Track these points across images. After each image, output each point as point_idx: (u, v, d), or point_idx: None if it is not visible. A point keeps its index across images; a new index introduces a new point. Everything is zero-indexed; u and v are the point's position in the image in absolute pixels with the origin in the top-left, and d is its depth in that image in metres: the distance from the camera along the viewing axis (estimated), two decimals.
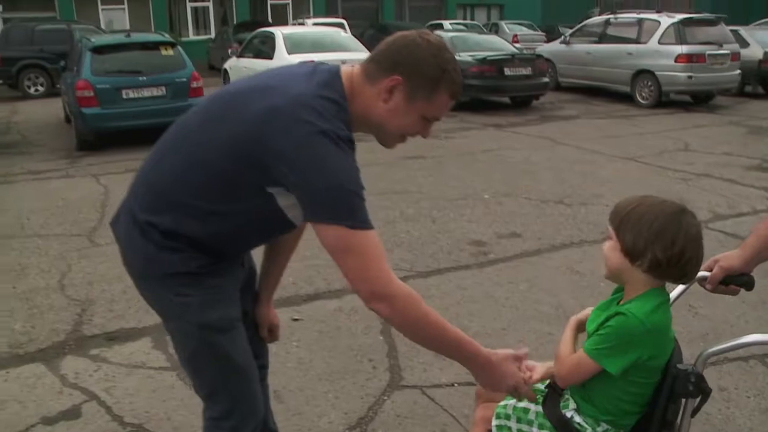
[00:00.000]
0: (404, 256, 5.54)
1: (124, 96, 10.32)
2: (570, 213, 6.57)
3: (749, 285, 2.06)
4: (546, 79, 14.45)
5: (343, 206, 1.78)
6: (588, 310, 2.06)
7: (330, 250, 1.84)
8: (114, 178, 8.50)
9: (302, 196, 1.82)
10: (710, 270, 2.07)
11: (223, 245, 2.03)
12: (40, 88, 18.62)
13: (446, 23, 27.51)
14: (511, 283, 4.98)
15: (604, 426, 1.93)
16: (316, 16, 29.06)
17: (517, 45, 21.43)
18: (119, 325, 4.44)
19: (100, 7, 28.37)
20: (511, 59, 13.88)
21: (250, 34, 15.90)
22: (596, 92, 15.69)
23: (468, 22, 31.60)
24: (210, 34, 29.92)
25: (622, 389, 1.87)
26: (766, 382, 3.65)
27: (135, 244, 2.03)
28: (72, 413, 3.45)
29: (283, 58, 12.40)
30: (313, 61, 2.09)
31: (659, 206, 1.83)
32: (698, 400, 1.85)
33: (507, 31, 27.84)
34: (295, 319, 4.41)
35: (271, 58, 12.86)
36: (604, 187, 7.43)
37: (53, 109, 15.12)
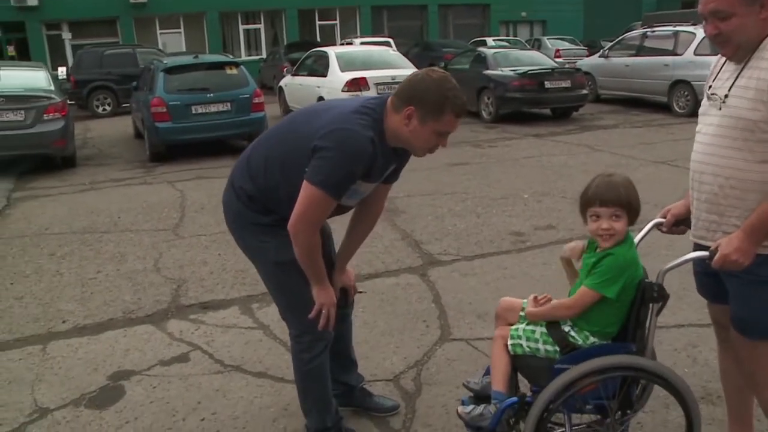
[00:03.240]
0: (452, 244, 6.29)
1: (194, 111, 11.31)
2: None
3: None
4: (585, 92, 15.06)
5: (323, 174, 2.59)
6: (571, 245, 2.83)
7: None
8: (188, 184, 9.46)
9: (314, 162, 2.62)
10: (664, 217, 2.85)
11: (284, 210, 2.77)
12: (107, 108, 19.92)
13: (489, 40, 28.24)
14: (545, 264, 5.67)
15: (592, 339, 2.63)
16: (363, 35, 30.06)
17: (559, 59, 22.04)
18: (211, 297, 5.27)
19: (158, 31, 29.86)
20: (551, 73, 14.55)
21: (303, 54, 16.84)
22: (635, 103, 16.26)
23: (511, 38, 32.25)
24: (261, 54, 31.14)
25: (612, 306, 2.58)
26: None
27: (231, 202, 2.97)
28: (182, 358, 4.28)
29: (336, 75, 13.29)
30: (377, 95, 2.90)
31: (628, 182, 2.61)
32: (660, 304, 2.56)
33: (549, 46, 28.40)
34: (360, 292, 5.15)
35: (324, 75, 13.76)
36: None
37: (121, 126, 16.30)
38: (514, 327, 2.79)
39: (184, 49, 27.53)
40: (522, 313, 2.83)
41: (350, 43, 24.40)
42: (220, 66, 12.21)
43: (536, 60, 15.85)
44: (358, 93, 12.76)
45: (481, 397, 2.87)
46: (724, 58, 2.56)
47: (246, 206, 2.90)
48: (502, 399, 2.69)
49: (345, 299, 3.28)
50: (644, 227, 2.84)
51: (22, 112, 10.58)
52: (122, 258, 6.32)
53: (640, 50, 16.00)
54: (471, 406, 2.79)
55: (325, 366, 3.08)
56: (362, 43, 22.93)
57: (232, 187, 2.95)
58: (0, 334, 4.79)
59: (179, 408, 3.68)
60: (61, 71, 21.36)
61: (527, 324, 2.76)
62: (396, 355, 4.19)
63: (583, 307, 2.59)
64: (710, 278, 2.67)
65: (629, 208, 2.55)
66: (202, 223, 7.40)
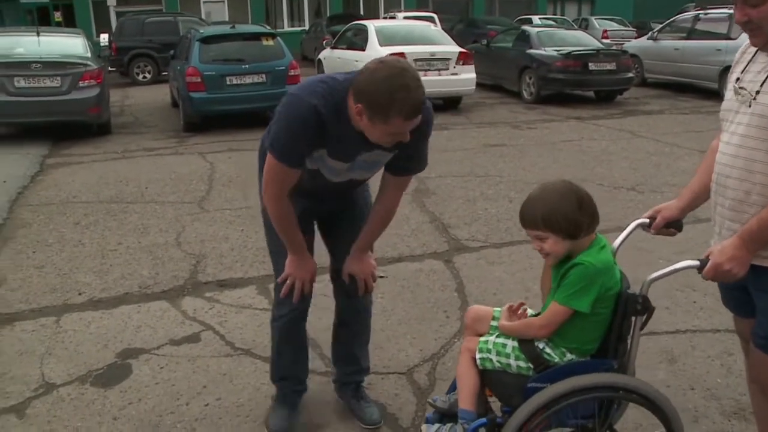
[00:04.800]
0: (481, 229, 6.09)
1: (228, 82, 11.19)
2: (641, 199, 6.95)
3: (681, 228, 2.62)
4: (630, 75, 14.58)
5: (272, 138, 2.55)
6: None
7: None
8: (219, 156, 9.37)
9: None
10: (651, 218, 2.61)
11: None
12: (148, 75, 19.97)
13: (535, 18, 27.62)
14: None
15: (569, 356, 2.39)
16: (407, 9, 29.68)
17: (607, 41, 21.48)
18: (228, 275, 5.16)
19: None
20: (596, 54, 14.11)
21: (344, 27, 16.62)
22: (684, 89, 15.68)
23: (557, 17, 31.54)
24: (304, 25, 30.96)
25: (588, 321, 2.33)
26: None
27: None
28: (193, 338, 4.17)
29: (375, 49, 13.02)
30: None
31: (556, 193, 2.32)
32: (645, 317, 2.33)
33: (597, 26, 27.72)
34: (381, 276, 5.01)
35: (363, 49, 13.51)
36: (677, 177, 7.73)
37: (160, 94, 16.30)
38: (483, 339, 2.53)
39: (227, 19, 27.47)
40: (493, 323, 2.58)
41: (393, 17, 24.08)
42: (256, 37, 12.05)
43: (582, 40, 15.42)
44: None
45: (448, 415, 2.64)
46: (754, 48, 2.28)
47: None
48: (470, 419, 2.46)
49: (354, 288, 3.08)
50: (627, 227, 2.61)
51: (59, 78, 10.58)
52: (145, 230, 6.24)
53: (692, 33, 15.43)
54: (436, 425, 2.58)
55: (290, 332, 3.10)
56: (405, 18, 22.60)
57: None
58: (17, 303, 4.75)
59: (184, 391, 3.57)
60: (103, 38, 21.48)
61: (498, 336, 2.50)
62: (412, 346, 4.02)
63: (556, 326, 2.35)
64: (737, 290, 2.42)
65: (550, 225, 2.29)
66: (228, 197, 7.29)
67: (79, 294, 4.87)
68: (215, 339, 4.15)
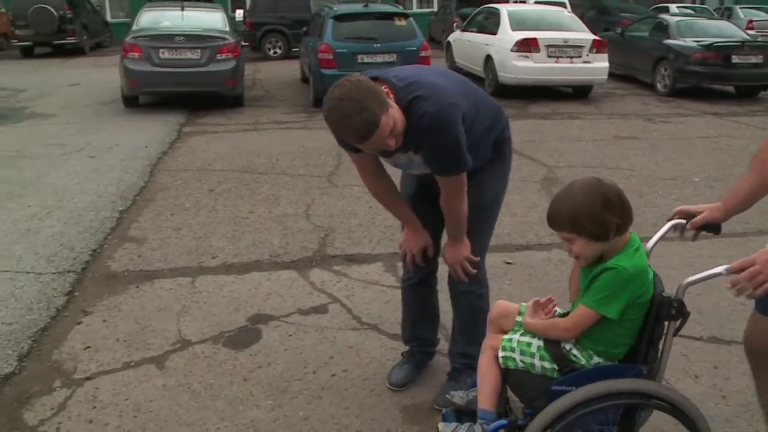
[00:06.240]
0: None
1: (359, 60, 11.31)
2: None
3: (719, 231, 2.49)
4: None
5: None
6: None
7: None
8: None
9: None
10: (683, 218, 2.48)
11: None
12: (279, 51, 20.58)
13: (673, 7, 26.37)
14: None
15: (596, 359, 2.28)
16: None
17: (752, 32, 20.27)
18: (356, 250, 5.25)
19: None
20: (741, 46, 13.32)
21: (474, 10, 16.46)
22: None
23: (697, 6, 30.01)
24: (432, 8, 30.83)
25: (618, 326, 2.23)
26: None
27: None
28: (321, 309, 4.27)
29: (506, 33, 12.87)
30: None
31: (581, 192, 2.18)
32: (679, 322, 2.20)
33: (741, 16, 26.09)
34: (508, 263, 4.97)
35: (494, 33, 13.35)
36: None
37: (290, 69, 16.71)
38: (506, 337, 2.44)
39: None
40: (518, 319, 2.49)
41: (524, 2, 23.61)
42: (389, 16, 12.13)
43: (725, 31, 14.57)
44: (528, 54, 12.33)
45: (466, 413, 2.56)
46: None
47: None
48: (489, 419, 2.38)
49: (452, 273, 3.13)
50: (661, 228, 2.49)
51: (199, 51, 11.06)
52: (275, 200, 6.44)
53: None
54: (453, 424, 2.52)
55: (409, 295, 3.38)
56: (536, 2, 22.12)
57: None
58: (157, 262, 5.01)
59: (311, 360, 3.67)
60: (239, 14, 22.18)
61: (522, 334, 2.41)
62: None
63: (582, 328, 2.25)
64: None
65: (576, 227, 2.18)
66: (356, 173, 7.31)
67: (213, 258, 5.09)
68: (342, 312, 4.24)
